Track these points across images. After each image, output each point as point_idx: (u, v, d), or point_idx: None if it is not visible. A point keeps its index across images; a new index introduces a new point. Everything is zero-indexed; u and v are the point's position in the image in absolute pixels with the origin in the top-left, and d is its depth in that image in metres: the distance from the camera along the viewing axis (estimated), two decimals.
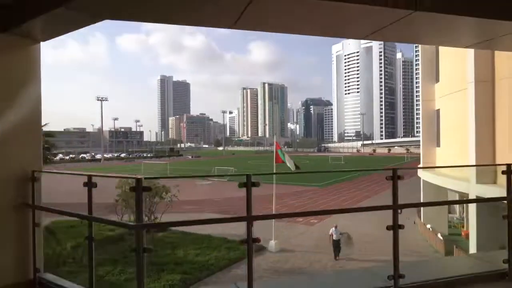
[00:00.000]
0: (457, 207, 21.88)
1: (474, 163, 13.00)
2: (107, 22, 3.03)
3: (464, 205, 19.18)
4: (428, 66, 18.87)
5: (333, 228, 15.83)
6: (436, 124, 18.28)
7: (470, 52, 12.92)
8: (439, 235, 16.20)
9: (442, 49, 17.26)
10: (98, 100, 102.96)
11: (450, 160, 16.28)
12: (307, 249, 16.49)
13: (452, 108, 15.83)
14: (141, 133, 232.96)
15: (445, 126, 17.10)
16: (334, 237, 15.59)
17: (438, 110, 18.07)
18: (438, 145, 17.99)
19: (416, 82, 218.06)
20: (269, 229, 19.91)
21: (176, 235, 18.69)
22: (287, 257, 15.40)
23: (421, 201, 19.34)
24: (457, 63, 15.13)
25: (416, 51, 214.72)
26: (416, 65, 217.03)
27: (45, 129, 19.81)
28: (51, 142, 19.02)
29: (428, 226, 17.83)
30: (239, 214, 2.63)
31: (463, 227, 19.65)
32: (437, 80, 18.22)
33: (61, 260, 15.24)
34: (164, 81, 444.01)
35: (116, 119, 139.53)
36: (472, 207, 13.82)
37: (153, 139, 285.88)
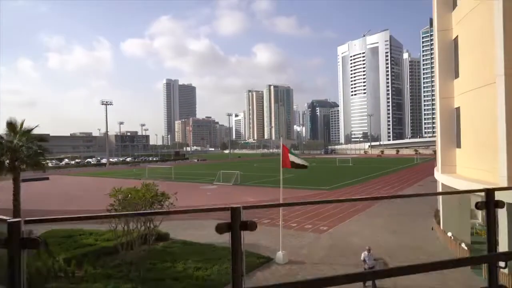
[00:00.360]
0: (479, 211, 20.35)
1: (505, 166, 11.58)
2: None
3: None
4: (446, 61, 17.48)
5: (365, 252, 12.41)
6: (456, 123, 16.86)
7: (499, 40, 11.55)
8: (463, 245, 14.75)
9: (463, 42, 15.88)
10: (102, 104, 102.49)
11: (474, 162, 14.85)
12: (317, 261, 15.14)
13: (476, 105, 14.42)
14: (147, 137, 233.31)
15: (466, 125, 15.68)
16: (367, 265, 12.44)
17: (458, 108, 16.66)
18: (459, 146, 16.55)
19: (424, 82, 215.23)
20: (276, 237, 18.59)
21: (177, 245, 17.50)
22: (296, 271, 14.07)
23: (440, 207, 17.91)
24: (481, 55, 13.74)
25: (423, 50, 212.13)
26: (423, 65, 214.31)
27: (36, 132, 18.77)
28: (44, 146, 17.90)
29: (449, 234, 16.38)
30: None
31: None
32: (456, 75, 16.82)
33: (51, 274, 14.10)
34: (170, 85, 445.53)
35: (121, 123, 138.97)
36: (503, 210, 12.34)
37: (160, 142, 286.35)
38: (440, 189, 18.08)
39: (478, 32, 14.13)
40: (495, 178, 12.73)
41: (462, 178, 15.17)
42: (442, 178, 17.08)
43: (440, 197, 18.26)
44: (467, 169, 15.67)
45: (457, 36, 16.46)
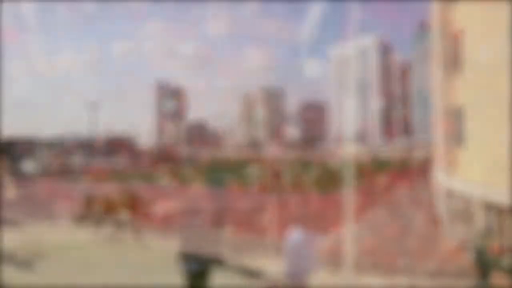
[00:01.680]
0: (478, 218, 19.15)
1: None
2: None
3: (494, 213, 16.48)
4: (448, 55, 16.21)
5: None
6: (460, 121, 15.61)
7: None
8: (469, 255, 13.44)
9: (468, 34, 14.67)
10: (88, 105, 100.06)
11: (481, 163, 13.61)
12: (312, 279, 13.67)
13: (485, 100, 13.16)
14: (137, 139, 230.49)
15: (471, 123, 14.42)
16: None
17: (461, 105, 15.41)
18: (462, 145, 15.31)
19: (415, 85, 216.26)
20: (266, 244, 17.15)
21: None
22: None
23: (443, 213, 16.63)
24: (490, 46, 12.51)
25: (414, 52, 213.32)
26: (415, 67, 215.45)
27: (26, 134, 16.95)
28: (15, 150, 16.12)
29: (454, 243, 15.09)
30: None
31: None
32: (460, 70, 15.58)
33: None
34: (162, 87, 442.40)
35: (111, 125, 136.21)
36: None
37: (150, 144, 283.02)
38: (442, 192, 16.84)
39: (487, 22, 12.92)
40: (504, 179, 11.52)
41: (467, 180, 13.95)
42: (444, 180, 15.84)
43: (442, 202, 16.98)
44: (472, 170, 14.45)
45: (461, 28, 15.24)
